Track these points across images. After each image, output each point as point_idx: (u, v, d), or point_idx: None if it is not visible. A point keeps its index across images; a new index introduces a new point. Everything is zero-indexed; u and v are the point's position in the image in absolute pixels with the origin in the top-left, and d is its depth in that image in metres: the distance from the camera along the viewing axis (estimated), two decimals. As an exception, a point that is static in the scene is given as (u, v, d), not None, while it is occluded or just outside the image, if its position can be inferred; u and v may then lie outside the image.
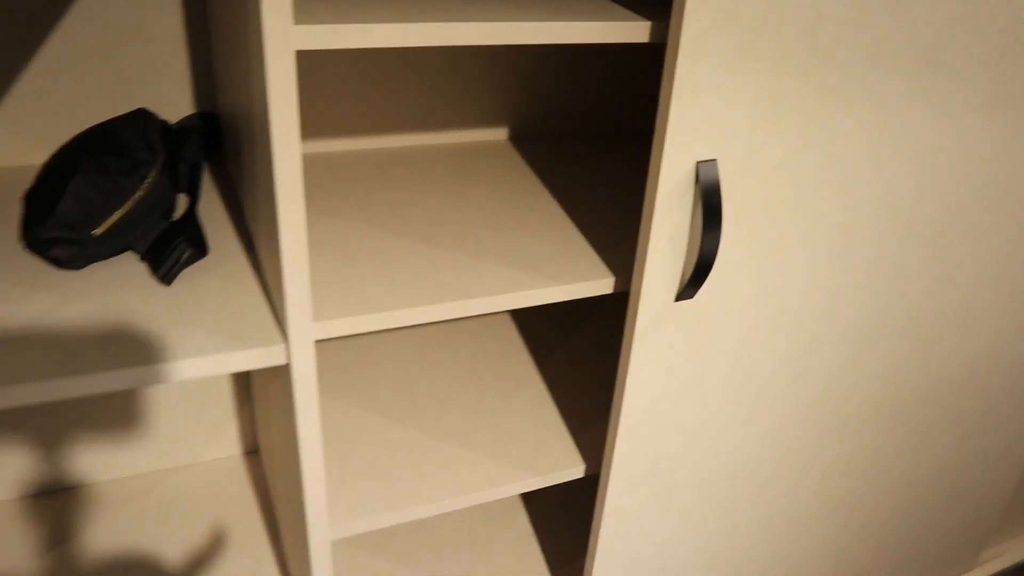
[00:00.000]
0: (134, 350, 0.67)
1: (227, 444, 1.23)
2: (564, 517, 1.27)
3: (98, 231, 0.75)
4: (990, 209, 0.94)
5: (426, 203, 0.96)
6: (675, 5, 0.67)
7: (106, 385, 0.64)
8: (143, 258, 0.79)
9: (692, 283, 0.78)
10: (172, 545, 1.09)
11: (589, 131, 1.24)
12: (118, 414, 1.14)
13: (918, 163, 0.86)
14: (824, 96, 0.76)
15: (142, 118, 0.84)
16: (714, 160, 0.74)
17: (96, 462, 1.16)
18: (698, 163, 0.73)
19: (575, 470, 0.96)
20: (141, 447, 1.17)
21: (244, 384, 1.19)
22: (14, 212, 0.86)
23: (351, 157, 1.07)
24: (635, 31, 0.71)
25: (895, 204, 0.87)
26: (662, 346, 0.83)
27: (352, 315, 0.72)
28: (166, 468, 1.20)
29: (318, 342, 1.15)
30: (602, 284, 0.83)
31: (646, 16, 0.73)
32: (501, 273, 0.82)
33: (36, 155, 0.96)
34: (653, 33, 0.72)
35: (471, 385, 1.08)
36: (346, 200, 0.95)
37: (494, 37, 0.67)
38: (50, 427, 1.10)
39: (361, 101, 1.07)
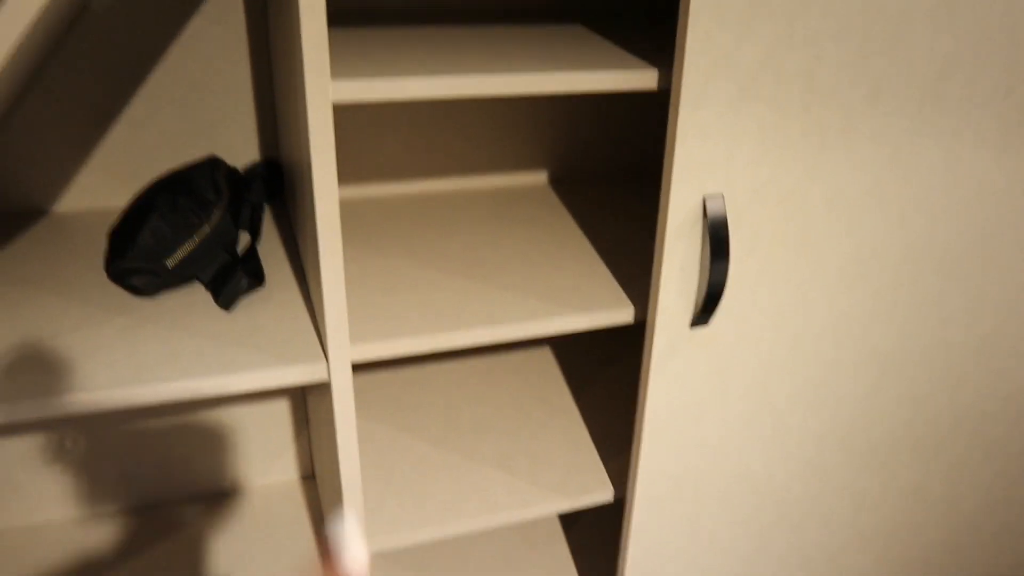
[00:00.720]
0: (197, 365, 0.76)
1: (286, 469, 1.32)
2: (602, 545, 1.30)
3: (170, 262, 0.85)
4: (1010, 240, 0.96)
5: (462, 241, 1.04)
6: (676, 54, 0.74)
7: (171, 393, 0.73)
8: (207, 287, 0.88)
9: (705, 311, 0.84)
10: (233, 566, 1.17)
11: (627, 171, 1.30)
12: (182, 437, 1.24)
13: (929, 196, 0.89)
14: (827, 133, 0.81)
15: (211, 163, 0.94)
16: (720, 195, 0.80)
17: (161, 483, 1.26)
18: (705, 197, 0.79)
19: (604, 494, 1.01)
20: (204, 469, 1.27)
21: (302, 411, 1.28)
22: (100, 248, 0.97)
23: (397, 200, 1.16)
24: (644, 79, 0.78)
25: (907, 235, 0.91)
26: (680, 370, 0.88)
27: (386, 338, 0.80)
28: (228, 489, 1.30)
29: (366, 371, 1.23)
30: (623, 313, 0.89)
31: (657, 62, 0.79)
32: (528, 303, 0.89)
33: (121, 198, 1.09)
34: (660, 80, 0.79)
35: (509, 413, 1.15)
36: (389, 239, 1.04)
37: (515, 88, 0.74)
38: (117, 450, 1.21)
39: (405, 147, 1.17)
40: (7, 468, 1.16)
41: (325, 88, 0.66)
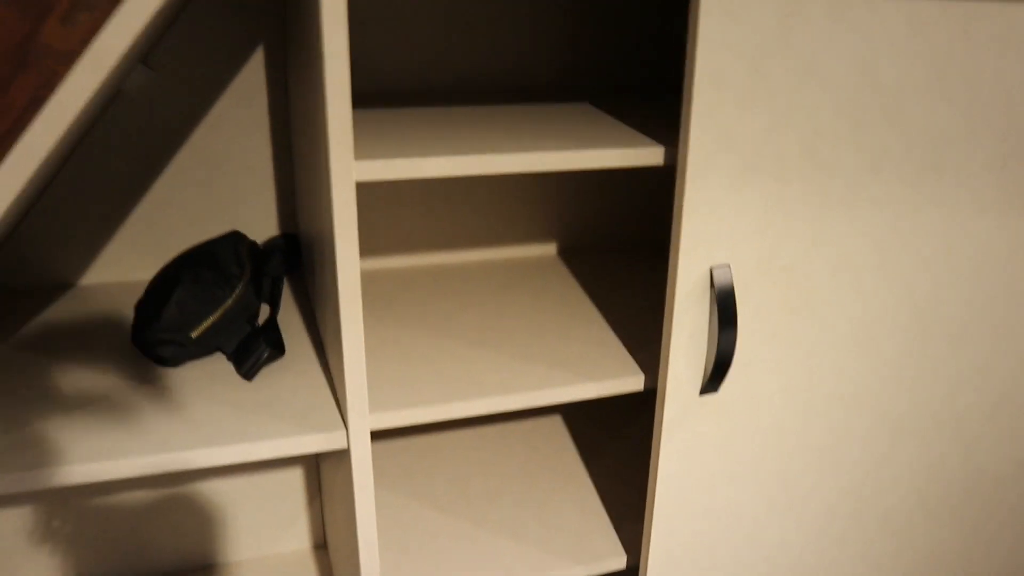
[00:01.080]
0: (221, 434, 0.78)
1: (297, 538, 1.32)
2: (617, 616, 1.29)
3: (195, 333, 0.88)
4: (1016, 305, 0.98)
5: (475, 311, 1.06)
6: (681, 132, 0.78)
7: (196, 461, 0.75)
8: (230, 357, 0.91)
9: (714, 378, 0.86)
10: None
11: (634, 242, 1.34)
12: (193, 507, 1.24)
13: (931, 262, 0.92)
14: (829, 202, 0.84)
15: (234, 238, 0.98)
16: (727, 265, 0.83)
17: (171, 552, 1.26)
18: (712, 268, 0.82)
19: (617, 561, 1.01)
20: (217, 538, 1.27)
21: (314, 480, 1.29)
22: (125, 319, 1.00)
23: (410, 272, 1.20)
24: (651, 155, 0.82)
25: (913, 301, 0.93)
26: (690, 438, 0.90)
27: (404, 407, 0.82)
28: (241, 560, 1.30)
29: (381, 439, 1.24)
30: (633, 381, 0.91)
31: (664, 138, 0.83)
32: (541, 372, 0.91)
33: (144, 271, 1.12)
34: (667, 156, 0.82)
35: (520, 481, 1.15)
36: (404, 309, 1.07)
37: (526, 166, 0.78)
38: (128, 519, 1.22)
39: (419, 220, 1.21)
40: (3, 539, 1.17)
41: (349, 168, 0.70)
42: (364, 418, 0.79)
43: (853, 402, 0.96)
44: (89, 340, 0.95)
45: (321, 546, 1.33)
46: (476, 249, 1.25)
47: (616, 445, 1.26)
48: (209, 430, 0.78)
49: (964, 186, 0.90)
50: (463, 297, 1.11)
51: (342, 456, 0.88)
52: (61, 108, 0.64)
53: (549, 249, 1.29)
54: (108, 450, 0.75)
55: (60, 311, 1.03)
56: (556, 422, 1.31)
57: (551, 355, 0.95)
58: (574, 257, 1.28)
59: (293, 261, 1.13)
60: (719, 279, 0.82)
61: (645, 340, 1.00)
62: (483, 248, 1.25)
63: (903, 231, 0.89)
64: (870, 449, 1.00)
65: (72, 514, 1.18)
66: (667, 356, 0.85)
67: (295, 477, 1.28)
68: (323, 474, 1.22)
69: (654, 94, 1.19)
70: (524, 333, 1.00)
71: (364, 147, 0.77)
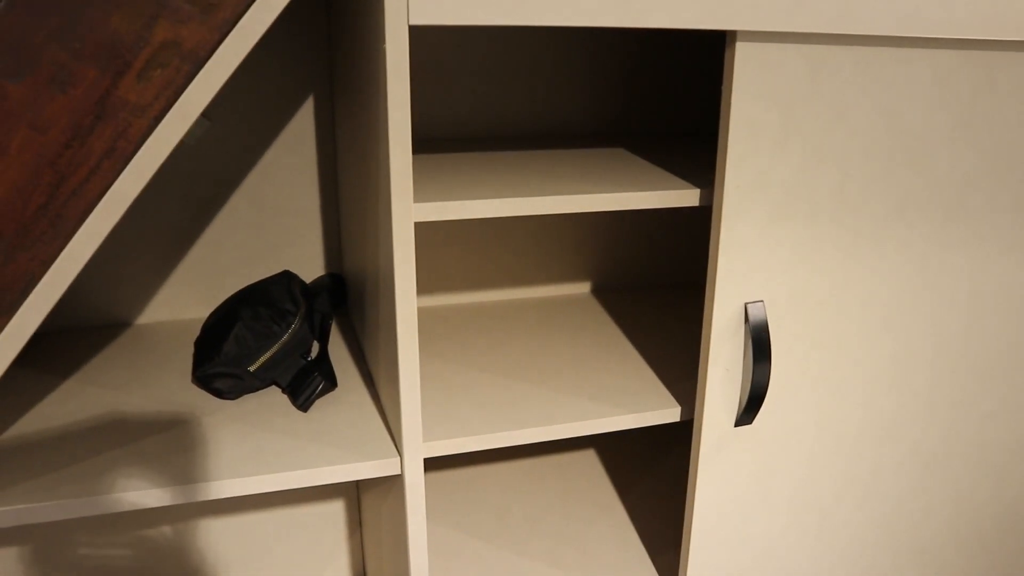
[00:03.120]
0: (280, 461, 0.82)
1: (337, 570, 1.35)
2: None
3: (253, 367, 0.92)
4: (1038, 344, 1.01)
5: (515, 347, 1.11)
6: (717, 175, 0.82)
7: (260, 487, 0.79)
8: (285, 390, 0.95)
9: (748, 410, 0.89)
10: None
11: (664, 282, 1.38)
12: (237, 537, 1.28)
13: (958, 301, 0.95)
14: (859, 241, 0.88)
15: (287, 277, 1.03)
16: (761, 301, 0.87)
17: (224, 583, 1.29)
18: (746, 304, 0.86)
19: (655, 591, 1.04)
20: (258, 570, 1.30)
21: (355, 512, 1.32)
22: (181, 355, 1.05)
23: (451, 310, 1.24)
24: (687, 197, 0.87)
25: (941, 337, 0.96)
26: (726, 469, 0.93)
27: (455, 436, 0.86)
28: (283, 591, 1.33)
29: (426, 473, 1.27)
30: (670, 413, 0.95)
31: (698, 180, 0.88)
32: (582, 404, 0.95)
33: (197, 310, 1.17)
34: (702, 198, 0.87)
35: (558, 511, 1.18)
36: (450, 345, 1.11)
37: (571, 207, 0.83)
38: (173, 550, 1.25)
39: (463, 263, 1.26)
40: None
41: (409, 209, 0.75)
42: (418, 445, 0.83)
43: (884, 435, 0.99)
44: (147, 375, 1.00)
45: (360, 579, 1.36)
46: (512, 288, 1.30)
47: (648, 478, 1.29)
48: (269, 457, 0.82)
49: (989, 227, 0.93)
50: (502, 334, 1.15)
51: (392, 484, 0.92)
52: (145, 159, 0.70)
53: (583, 288, 1.34)
54: (172, 478, 0.79)
55: (120, 348, 1.08)
56: (590, 455, 1.34)
57: (591, 388, 0.98)
58: (607, 296, 1.32)
59: (338, 299, 1.18)
60: (753, 314, 0.86)
61: (680, 374, 1.03)
62: (519, 287, 1.30)
63: (930, 270, 0.93)
64: (902, 482, 1.02)
65: (118, 543, 1.22)
66: (703, 388, 0.89)
67: (336, 509, 1.31)
68: (364, 506, 1.26)
69: (685, 139, 1.25)
70: (564, 367, 1.04)
71: (419, 190, 0.82)
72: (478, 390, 0.97)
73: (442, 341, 1.12)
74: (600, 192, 0.83)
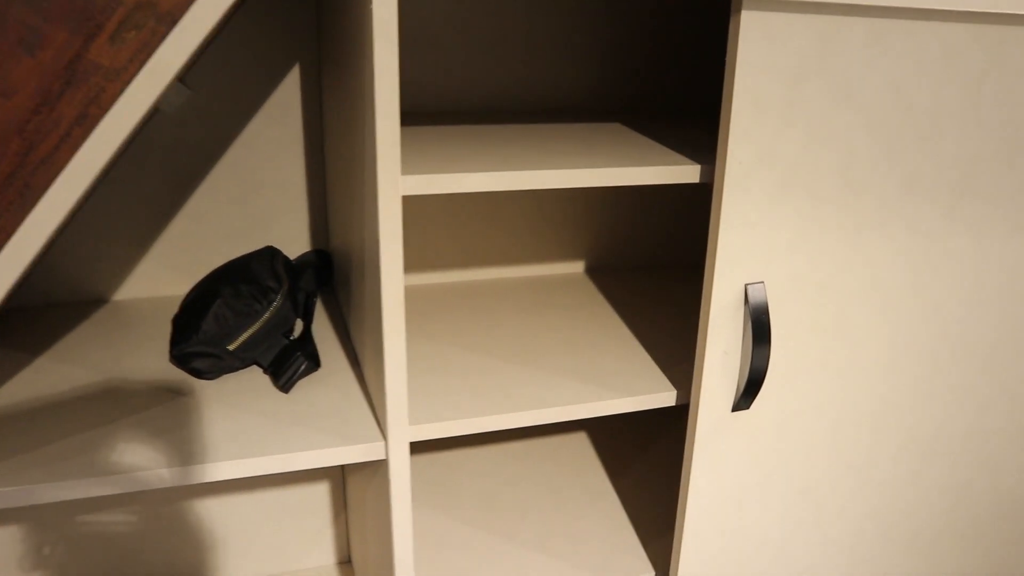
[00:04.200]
0: (260, 444, 0.78)
1: (322, 553, 1.32)
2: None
3: (232, 346, 0.89)
4: (1041, 329, 0.99)
5: (507, 327, 1.07)
6: (719, 150, 0.79)
7: (237, 471, 0.75)
8: (266, 370, 0.92)
9: (746, 395, 0.86)
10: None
11: (660, 261, 1.35)
12: (221, 521, 1.25)
13: (963, 284, 0.93)
14: (862, 223, 0.85)
15: (270, 253, 0.99)
16: (761, 282, 0.84)
17: (196, 567, 1.26)
18: (746, 285, 0.83)
19: (645, 575, 1.01)
20: (242, 553, 1.28)
21: (340, 496, 1.29)
22: (160, 333, 1.02)
23: (440, 289, 1.21)
24: (686, 173, 0.83)
25: (943, 322, 0.94)
26: (721, 453, 0.90)
27: (441, 420, 0.83)
28: (265, 575, 1.30)
29: (412, 456, 1.25)
30: (665, 397, 0.92)
31: (699, 157, 0.85)
32: (574, 387, 0.91)
33: (177, 287, 1.14)
34: (703, 174, 0.84)
35: (548, 495, 1.16)
36: (438, 325, 1.08)
37: (567, 182, 0.79)
38: (154, 533, 1.22)
39: (449, 239, 1.22)
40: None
41: (396, 182, 0.71)
42: (403, 429, 0.80)
43: (882, 421, 0.96)
44: (125, 353, 0.97)
45: (346, 561, 1.33)
46: (504, 267, 1.26)
47: (641, 463, 1.26)
48: (249, 441, 0.79)
49: (996, 208, 0.90)
50: (494, 314, 1.12)
51: (377, 468, 0.89)
52: (115, 125, 0.66)
53: (577, 267, 1.30)
54: (148, 460, 0.76)
55: (95, 325, 1.04)
56: (581, 438, 1.32)
57: (585, 370, 0.95)
58: (601, 276, 1.29)
59: (324, 276, 1.14)
60: (753, 296, 0.83)
61: (676, 357, 1.00)
62: (511, 266, 1.27)
63: (935, 252, 0.90)
64: (898, 469, 1.00)
65: (97, 527, 1.19)
66: (700, 372, 0.86)
67: (320, 492, 1.28)
68: (350, 489, 1.23)
69: (683, 115, 1.21)
70: (557, 349, 1.01)
71: (407, 163, 0.78)
72: (467, 372, 0.94)
73: (430, 321, 1.09)
74: (596, 167, 0.80)
